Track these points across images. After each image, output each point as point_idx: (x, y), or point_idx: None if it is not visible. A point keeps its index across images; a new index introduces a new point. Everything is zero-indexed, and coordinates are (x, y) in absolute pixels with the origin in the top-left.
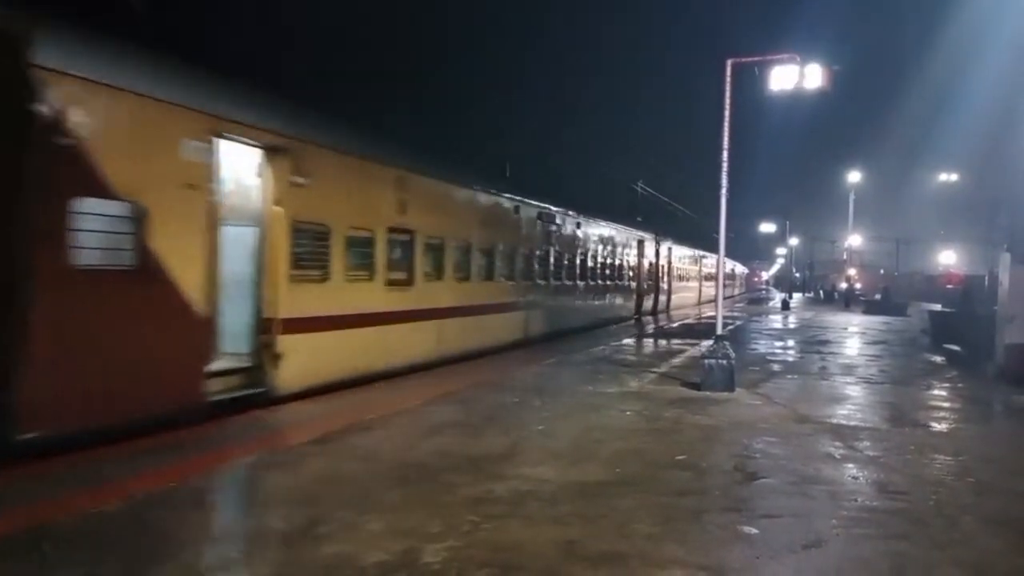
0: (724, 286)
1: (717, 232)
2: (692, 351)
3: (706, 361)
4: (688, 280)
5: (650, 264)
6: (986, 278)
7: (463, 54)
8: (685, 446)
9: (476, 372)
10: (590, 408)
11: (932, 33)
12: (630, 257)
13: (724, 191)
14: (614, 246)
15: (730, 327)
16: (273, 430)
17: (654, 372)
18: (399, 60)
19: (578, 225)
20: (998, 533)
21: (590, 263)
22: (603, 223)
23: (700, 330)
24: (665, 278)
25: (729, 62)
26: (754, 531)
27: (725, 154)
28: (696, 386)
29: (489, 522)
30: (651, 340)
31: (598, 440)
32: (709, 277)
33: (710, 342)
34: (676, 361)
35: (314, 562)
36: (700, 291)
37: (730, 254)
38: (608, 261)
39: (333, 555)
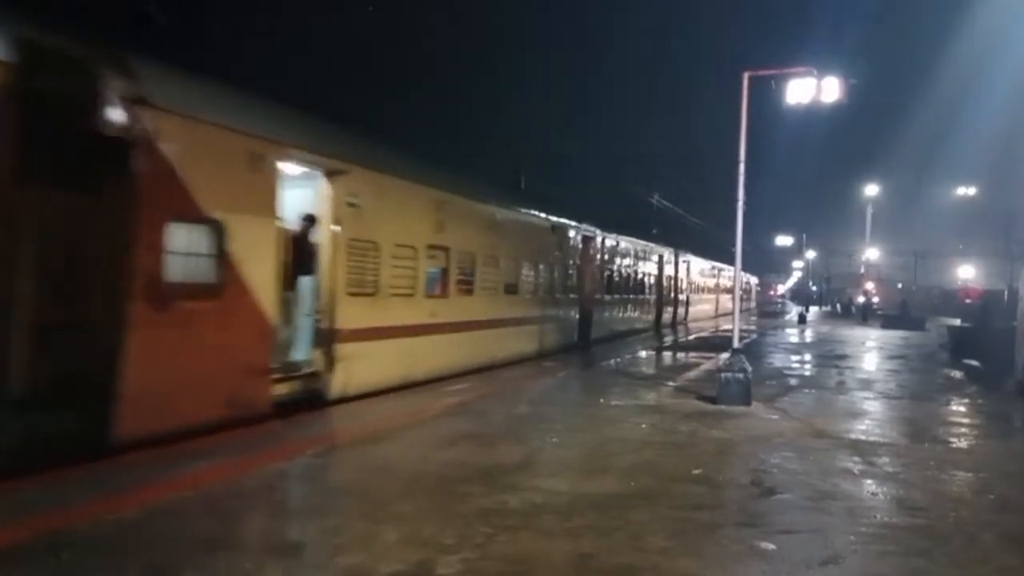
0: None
1: (731, 243)
2: (707, 364)
3: (722, 374)
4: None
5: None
6: (1005, 292)
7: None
8: (701, 460)
9: (489, 383)
10: (604, 420)
11: (949, 46)
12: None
13: (741, 203)
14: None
15: (746, 340)
16: (288, 441)
17: (669, 385)
18: (410, 64)
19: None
20: (1019, 551)
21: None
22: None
23: (715, 343)
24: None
25: (746, 75)
26: (771, 547)
27: (742, 167)
28: (712, 399)
29: (503, 534)
30: (666, 353)
31: (612, 453)
32: (725, 290)
33: (726, 355)
34: (691, 374)
35: (330, 573)
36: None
37: (745, 267)
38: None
39: (349, 566)
